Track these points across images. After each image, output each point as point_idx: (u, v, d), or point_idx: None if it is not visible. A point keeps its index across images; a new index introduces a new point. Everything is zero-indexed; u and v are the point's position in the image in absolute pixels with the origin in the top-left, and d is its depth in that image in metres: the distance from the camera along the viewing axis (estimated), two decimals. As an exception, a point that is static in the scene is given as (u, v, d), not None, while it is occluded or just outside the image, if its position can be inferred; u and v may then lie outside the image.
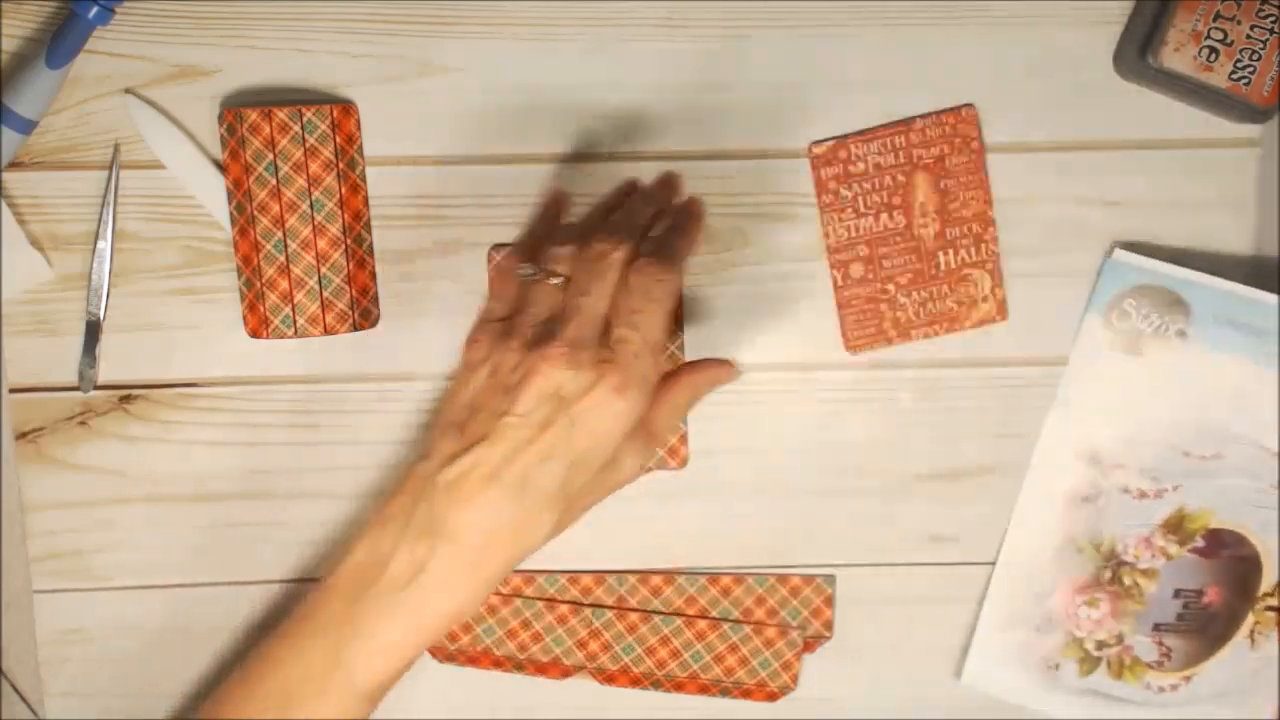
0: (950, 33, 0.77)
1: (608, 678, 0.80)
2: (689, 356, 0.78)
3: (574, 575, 0.80)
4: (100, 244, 0.77)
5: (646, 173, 0.77)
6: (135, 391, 0.78)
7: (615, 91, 0.77)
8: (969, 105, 0.74)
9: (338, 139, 0.75)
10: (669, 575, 0.80)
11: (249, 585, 0.80)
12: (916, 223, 0.75)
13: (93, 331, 0.77)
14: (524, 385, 0.63)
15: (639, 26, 0.76)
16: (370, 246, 0.77)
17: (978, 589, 0.80)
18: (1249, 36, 0.73)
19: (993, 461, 0.79)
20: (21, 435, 0.78)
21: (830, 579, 0.80)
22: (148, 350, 0.78)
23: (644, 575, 0.80)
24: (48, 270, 0.77)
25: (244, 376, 0.78)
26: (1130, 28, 0.76)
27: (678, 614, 0.80)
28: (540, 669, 0.80)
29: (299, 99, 0.76)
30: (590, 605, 0.80)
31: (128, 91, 0.76)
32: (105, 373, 0.78)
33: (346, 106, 0.76)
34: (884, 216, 0.75)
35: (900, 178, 0.75)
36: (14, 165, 0.76)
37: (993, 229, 0.75)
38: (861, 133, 0.75)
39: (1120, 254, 0.77)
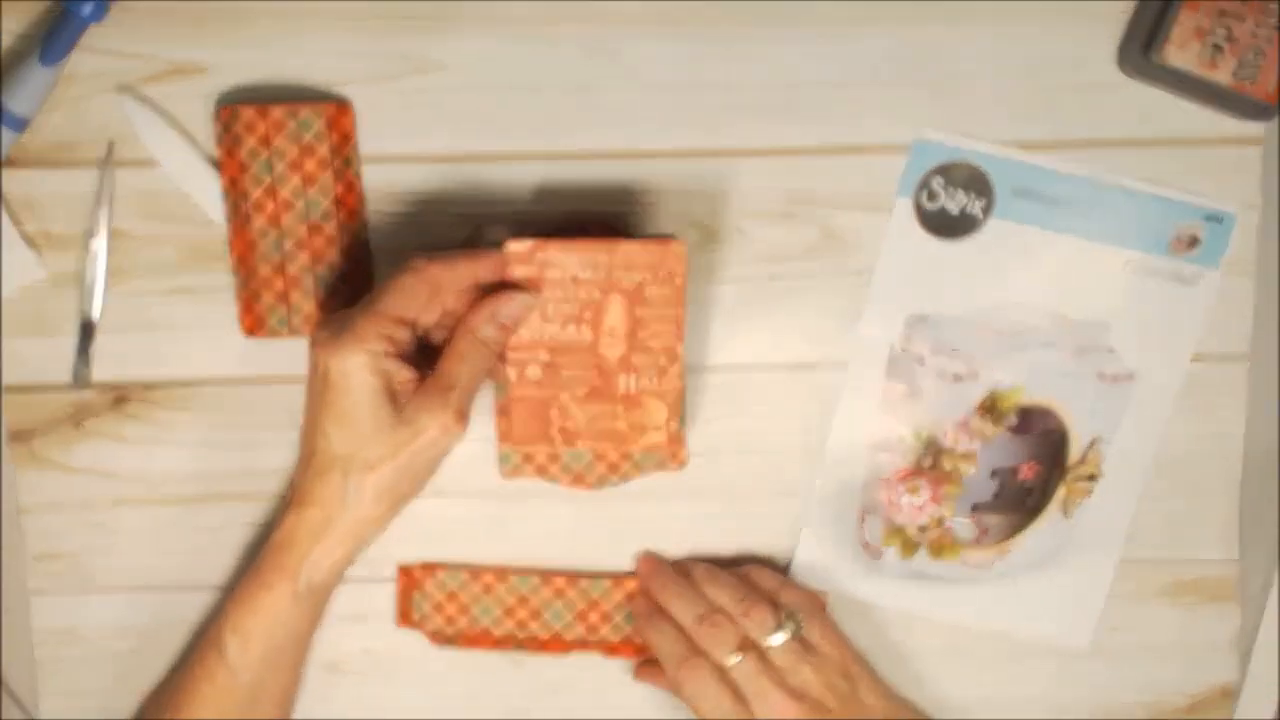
0: (952, 31, 0.76)
1: (610, 649, 0.80)
2: (689, 356, 0.78)
3: (547, 575, 0.80)
4: (94, 242, 0.76)
5: (645, 172, 0.77)
6: (130, 391, 0.78)
7: (614, 91, 0.76)
8: (680, 241, 0.71)
9: (333, 137, 0.75)
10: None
11: (245, 586, 0.80)
12: (603, 342, 0.72)
13: (87, 331, 0.77)
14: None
15: (639, 26, 0.76)
16: (366, 245, 0.77)
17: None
18: (1253, 34, 0.73)
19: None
20: (16, 436, 0.78)
21: (823, 594, 0.80)
22: (142, 349, 0.78)
23: (619, 579, 0.80)
24: (41, 269, 0.77)
25: (239, 376, 0.78)
26: (1134, 25, 0.76)
27: None
28: (541, 646, 0.80)
29: (295, 96, 0.76)
30: (588, 576, 0.80)
31: (122, 89, 0.76)
32: (100, 372, 0.78)
33: (342, 104, 0.75)
34: (570, 328, 0.72)
35: (596, 294, 0.72)
36: (7, 163, 0.76)
37: (678, 365, 0.73)
38: (563, 241, 0.71)
39: (926, 132, 0.77)
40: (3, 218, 0.76)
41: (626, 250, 0.71)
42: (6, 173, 0.76)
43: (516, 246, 0.72)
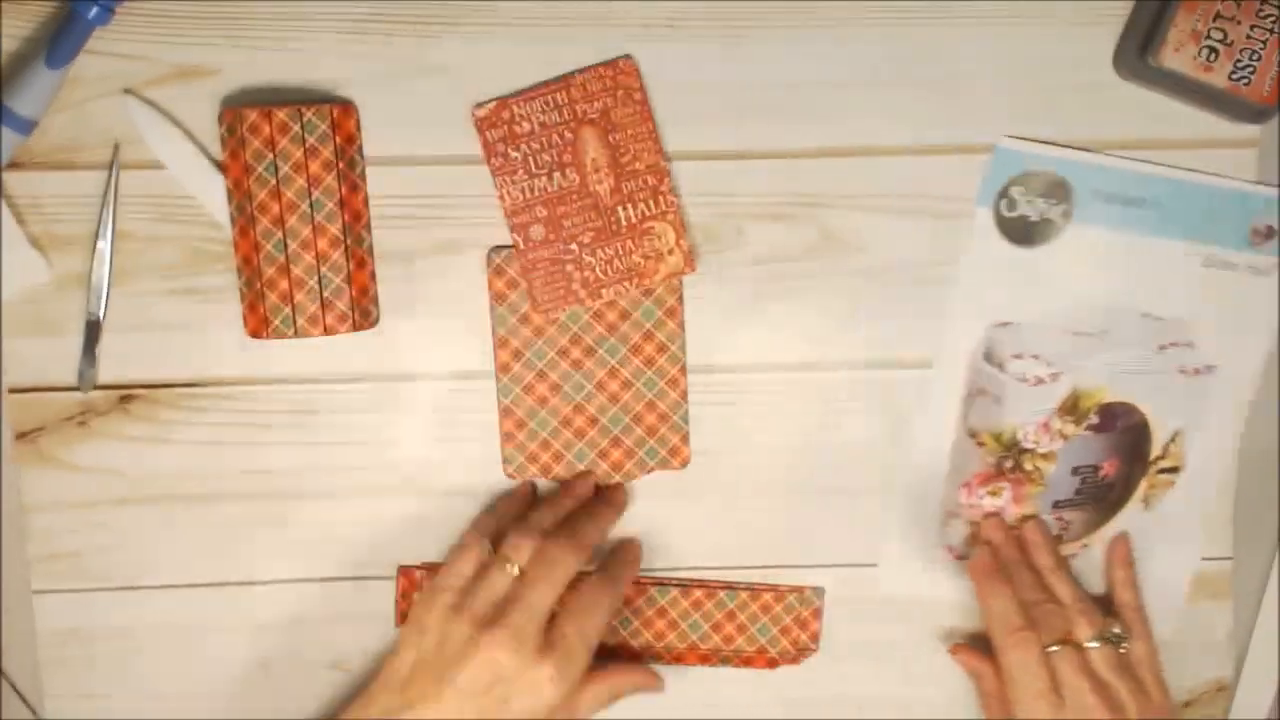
0: (950, 33, 0.77)
1: (607, 653, 0.80)
2: (689, 357, 0.78)
3: None
4: (100, 244, 0.77)
5: (646, 172, 0.77)
6: (135, 391, 0.78)
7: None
8: (627, 57, 0.74)
9: (337, 139, 0.75)
10: (641, 586, 0.80)
11: (248, 586, 0.80)
12: (590, 179, 0.75)
13: (92, 331, 0.77)
14: (467, 660, 0.71)
15: (639, 26, 0.76)
16: (370, 246, 0.77)
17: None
18: (1249, 36, 0.73)
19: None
20: (21, 435, 0.78)
21: (819, 590, 0.81)
22: (147, 350, 0.78)
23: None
24: (47, 270, 0.77)
25: (244, 376, 0.78)
26: (1130, 27, 0.76)
27: (676, 584, 0.80)
28: None
29: (299, 99, 0.76)
30: None
31: (127, 92, 0.76)
32: (105, 373, 0.78)
33: (346, 106, 0.76)
34: (557, 175, 0.75)
35: (567, 134, 0.75)
36: (14, 165, 0.76)
37: (667, 180, 0.75)
38: (522, 92, 0.75)
39: (1006, 141, 0.77)
40: (9, 219, 0.76)
41: (580, 81, 0.74)
42: (13, 174, 0.76)
43: (481, 111, 0.74)
